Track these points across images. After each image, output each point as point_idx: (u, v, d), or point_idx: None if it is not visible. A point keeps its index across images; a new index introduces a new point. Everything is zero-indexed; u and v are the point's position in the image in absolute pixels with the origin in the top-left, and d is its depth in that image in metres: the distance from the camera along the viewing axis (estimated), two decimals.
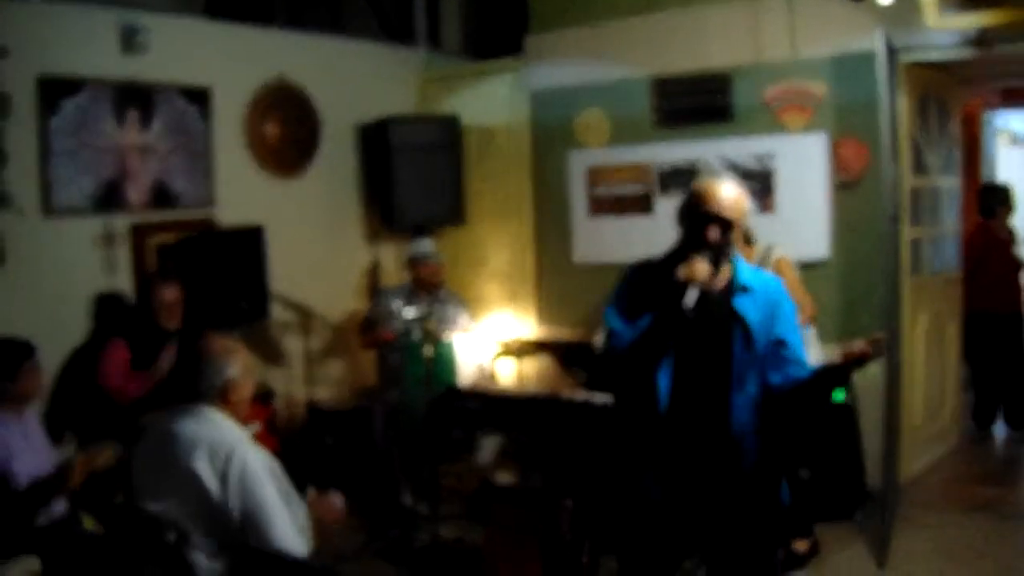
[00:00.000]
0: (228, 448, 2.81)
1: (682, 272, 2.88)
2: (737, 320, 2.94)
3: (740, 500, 2.98)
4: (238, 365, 2.95)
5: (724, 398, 2.94)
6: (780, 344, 2.95)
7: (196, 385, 2.91)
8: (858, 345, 2.77)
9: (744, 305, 2.96)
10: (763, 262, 4.62)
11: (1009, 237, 6.77)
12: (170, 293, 4.84)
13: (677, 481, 2.98)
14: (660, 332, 2.92)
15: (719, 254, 2.94)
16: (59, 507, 3.65)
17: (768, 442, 2.98)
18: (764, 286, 3.02)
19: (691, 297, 2.84)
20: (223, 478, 2.77)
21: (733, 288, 2.99)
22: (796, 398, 2.97)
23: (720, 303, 2.96)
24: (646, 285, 3.02)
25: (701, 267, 2.89)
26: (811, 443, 4.09)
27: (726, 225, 2.93)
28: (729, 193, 2.96)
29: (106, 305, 5.18)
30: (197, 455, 2.79)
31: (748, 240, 4.63)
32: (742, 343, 2.93)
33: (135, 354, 4.73)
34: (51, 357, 4.73)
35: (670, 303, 2.88)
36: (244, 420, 3.00)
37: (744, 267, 3.05)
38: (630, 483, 3.06)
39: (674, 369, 2.95)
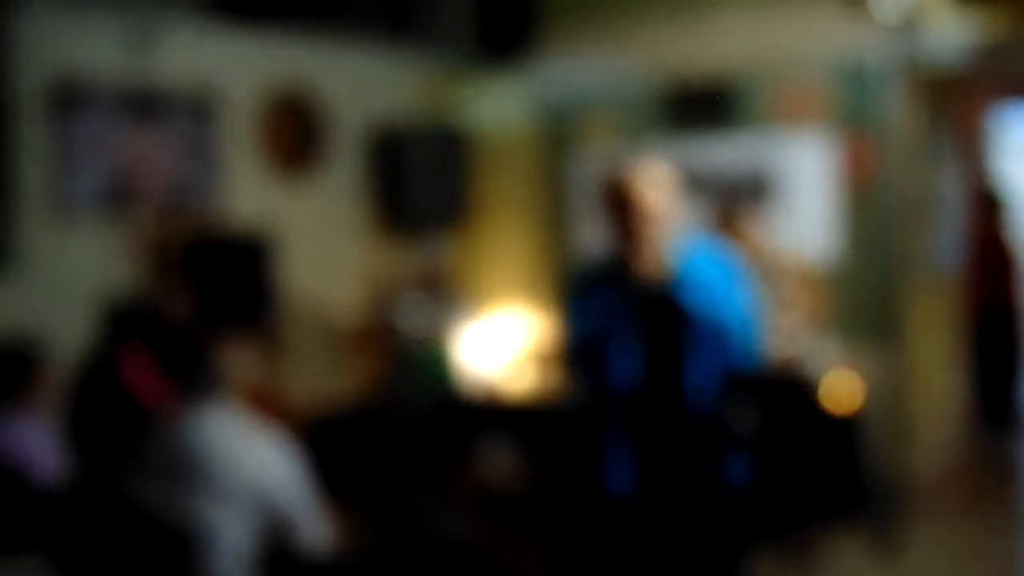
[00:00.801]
0: (249, 443, 2.82)
1: (633, 267, 2.89)
2: (679, 308, 2.90)
3: (690, 483, 2.98)
4: (245, 364, 2.99)
5: (677, 382, 2.92)
6: (722, 329, 2.93)
7: (204, 384, 2.93)
8: None
9: (685, 293, 2.91)
10: (769, 266, 4.62)
11: (1009, 237, 6.85)
12: (179, 296, 4.86)
13: (646, 466, 2.97)
14: (612, 324, 2.92)
15: (652, 245, 2.89)
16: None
17: (719, 421, 2.99)
18: (708, 271, 2.98)
19: (644, 290, 2.88)
20: (246, 473, 2.77)
21: (674, 276, 2.93)
22: (735, 388, 2.98)
23: (662, 293, 2.92)
24: (598, 283, 3.03)
25: (651, 260, 2.88)
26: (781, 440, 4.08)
27: (649, 216, 2.85)
28: (649, 180, 2.88)
29: (116, 309, 5.20)
30: (216, 452, 2.79)
31: (736, 229, 4.59)
32: (687, 330, 2.89)
33: (157, 358, 4.72)
34: (62, 355, 4.76)
35: (624, 296, 2.91)
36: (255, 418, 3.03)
37: (689, 252, 2.98)
38: (596, 480, 3.03)
39: (638, 355, 2.93)
